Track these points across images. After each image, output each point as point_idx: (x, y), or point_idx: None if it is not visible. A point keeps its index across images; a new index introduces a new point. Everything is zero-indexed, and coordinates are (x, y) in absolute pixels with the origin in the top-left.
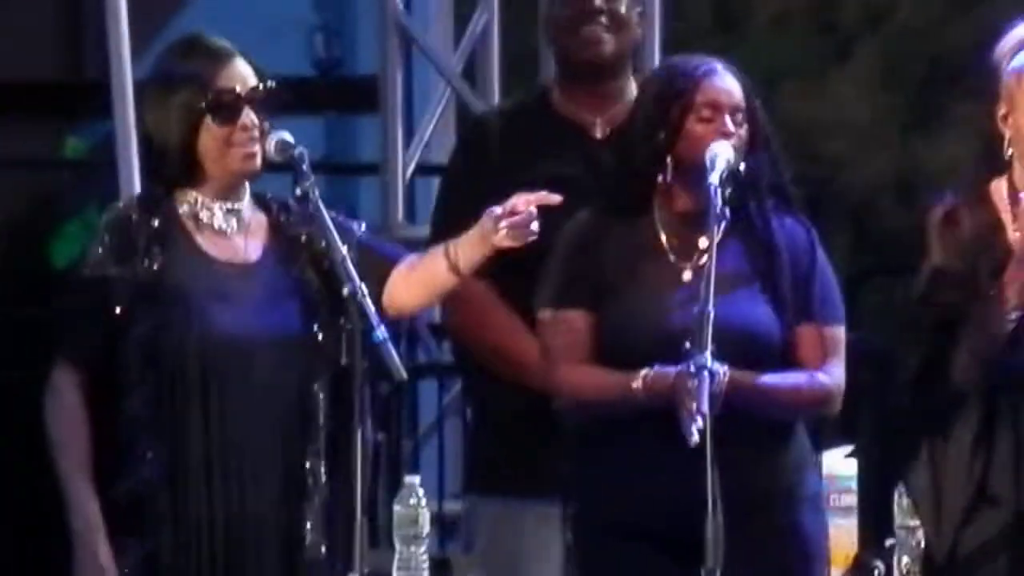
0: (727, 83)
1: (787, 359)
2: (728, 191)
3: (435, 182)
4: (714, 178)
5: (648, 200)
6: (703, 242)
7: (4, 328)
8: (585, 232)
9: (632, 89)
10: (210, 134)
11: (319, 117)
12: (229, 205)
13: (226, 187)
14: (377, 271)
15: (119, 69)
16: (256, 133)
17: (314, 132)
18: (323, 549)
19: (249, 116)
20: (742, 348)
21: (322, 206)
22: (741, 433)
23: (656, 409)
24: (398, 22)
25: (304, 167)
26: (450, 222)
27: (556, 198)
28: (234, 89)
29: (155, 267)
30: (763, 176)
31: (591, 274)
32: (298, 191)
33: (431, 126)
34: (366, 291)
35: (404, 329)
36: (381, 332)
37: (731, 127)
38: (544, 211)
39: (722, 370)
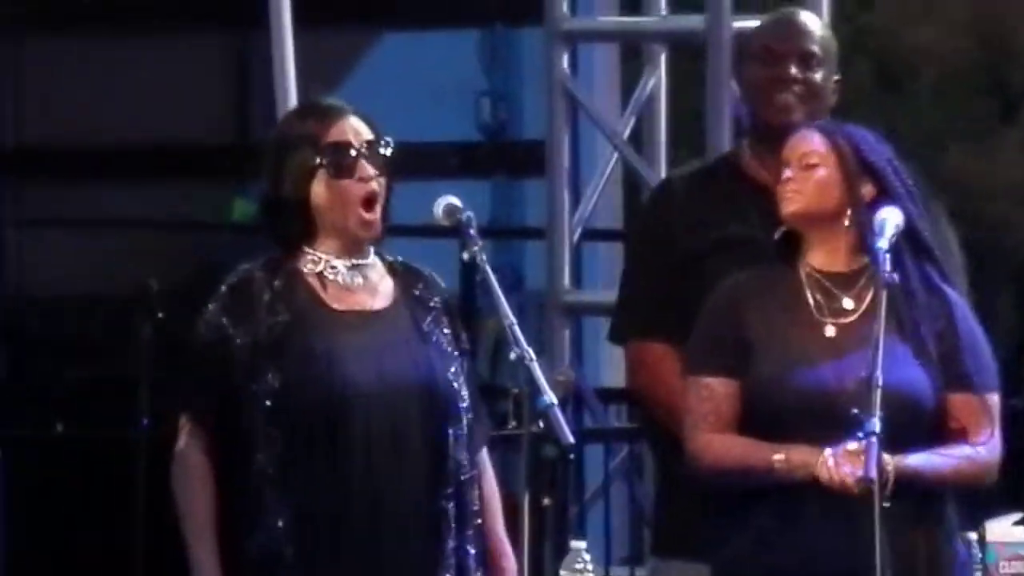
0: (798, 136)
1: (939, 424)
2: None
3: (601, 247)
4: (882, 243)
5: (792, 257)
6: (848, 302)
7: (167, 390)
8: (729, 296)
9: None
10: (327, 188)
11: (486, 181)
12: (354, 261)
13: (349, 243)
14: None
15: None
16: (374, 185)
17: (481, 196)
18: None
19: (365, 169)
20: (898, 412)
21: (489, 270)
22: (894, 503)
23: (798, 481)
24: (565, 86)
25: (471, 231)
26: (637, 282)
27: None
28: (348, 142)
29: (279, 325)
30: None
31: (734, 338)
32: (465, 255)
33: (597, 190)
34: (533, 356)
35: (571, 394)
36: (549, 397)
37: (789, 174)
38: (721, 272)
39: (889, 465)
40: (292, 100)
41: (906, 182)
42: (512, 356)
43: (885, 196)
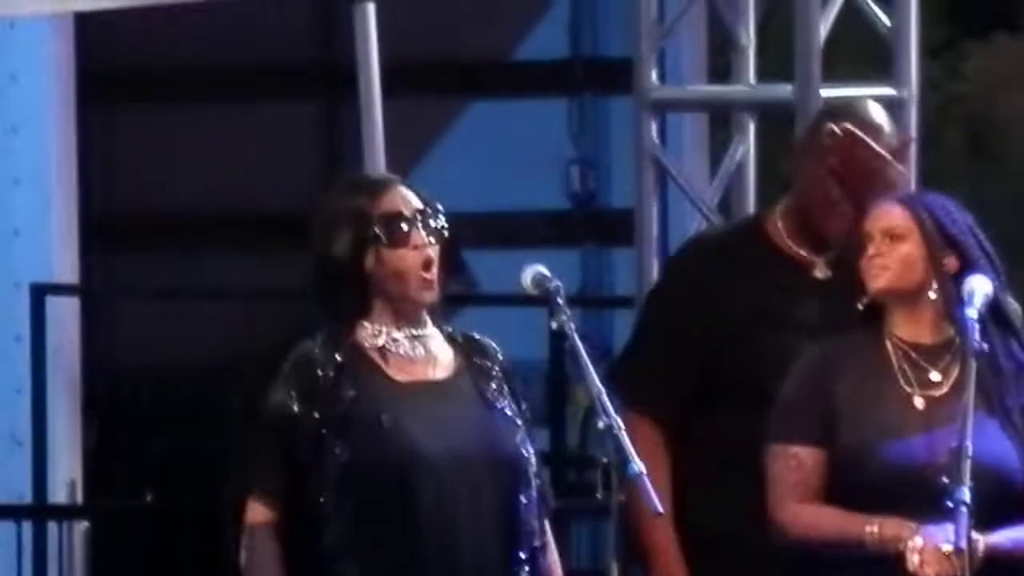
0: (881, 209)
1: None
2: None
3: None
4: (972, 312)
5: (876, 327)
6: (935, 375)
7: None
8: (817, 364)
9: None
10: (382, 259)
11: (575, 249)
12: (413, 331)
13: (405, 313)
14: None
15: None
16: (429, 252)
17: (570, 264)
18: None
19: (419, 236)
20: (987, 485)
21: (578, 339)
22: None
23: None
24: (654, 155)
25: (560, 300)
26: (647, 343)
27: None
28: (399, 211)
29: (344, 400)
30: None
31: (822, 407)
32: (554, 324)
33: None
34: (622, 425)
35: None
36: (638, 465)
37: (873, 250)
38: (758, 346)
39: (980, 542)
40: (381, 168)
41: (988, 252)
42: (601, 425)
43: (968, 267)
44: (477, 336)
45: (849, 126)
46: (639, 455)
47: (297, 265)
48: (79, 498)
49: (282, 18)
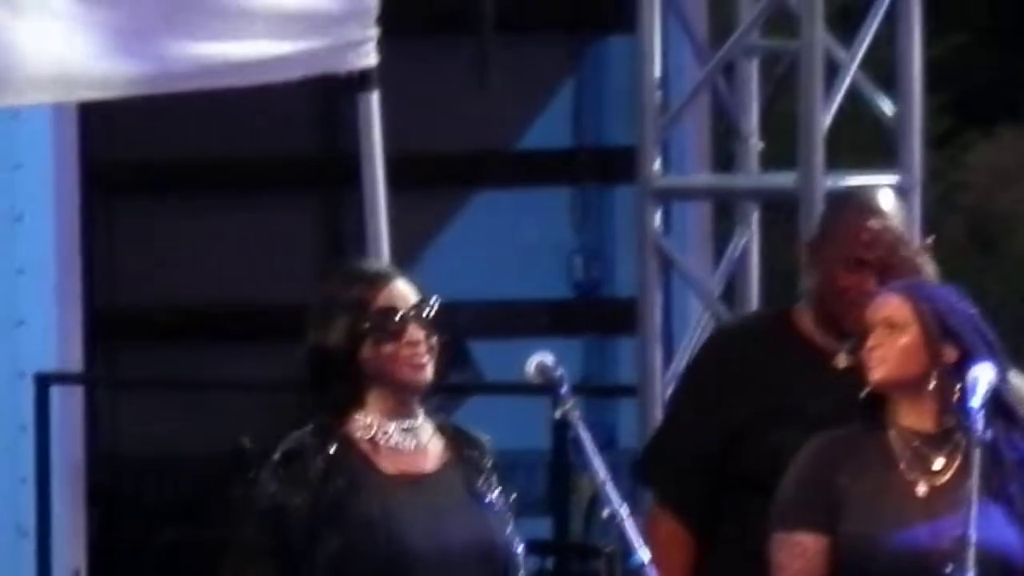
0: (881, 299)
1: None
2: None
3: None
4: (975, 401)
5: (879, 415)
6: (938, 462)
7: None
8: (820, 454)
9: None
10: (376, 353)
11: (578, 339)
12: (404, 424)
13: (398, 405)
14: None
15: None
16: (423, 348)
17: (573, 354)
18: None
19: (414, 332)
20: (993, 571)
21: (581, 428)
22: None
23: None
24: (657, 244)
25: (563, 389)
26: (676, 436)
27: None
28: (394, 307)
29: (334, 491)
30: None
31: (824, 496)
32: (557, 413)
33: (689, 349)
34: (626, 515)
35: None
36: (642, 555)
37: (873, 341)
38: (777, 440)
39: None
40: (385, 259)
41: (989, 343)
42: (605, 514)
43: (968, 358)
44: (468, 428)
45: (880, 219)
46: (661, 549)
47: (290, 357)
48: None
49: (285, 109)
